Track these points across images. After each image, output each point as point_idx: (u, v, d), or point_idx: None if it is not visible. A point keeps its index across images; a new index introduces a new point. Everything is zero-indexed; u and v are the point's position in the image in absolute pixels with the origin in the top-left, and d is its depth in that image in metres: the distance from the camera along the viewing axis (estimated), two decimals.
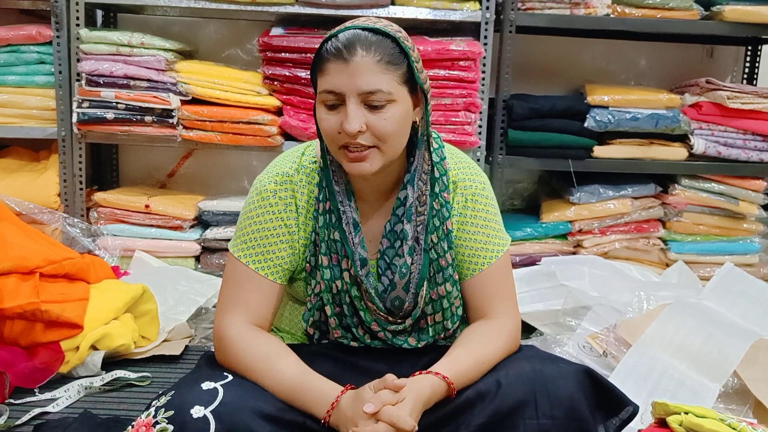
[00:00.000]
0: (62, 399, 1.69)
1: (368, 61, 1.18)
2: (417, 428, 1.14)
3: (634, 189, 2.79)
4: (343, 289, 1.31)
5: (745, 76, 3.16)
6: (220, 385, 1.16)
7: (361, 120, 1.19)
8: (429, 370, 1.21)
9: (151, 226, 2.67)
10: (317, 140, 1.38)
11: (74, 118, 2.54)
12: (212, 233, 2.67)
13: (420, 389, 1.17)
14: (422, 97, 1.27)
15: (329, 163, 1.29)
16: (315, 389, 1.19)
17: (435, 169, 1.32)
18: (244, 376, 1.23)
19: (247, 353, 1.25)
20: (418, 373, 1.21)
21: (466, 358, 1.24)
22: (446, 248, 1.32)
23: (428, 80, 1.28)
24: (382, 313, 1.30)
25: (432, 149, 1.31)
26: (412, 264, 1.29)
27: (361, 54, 1.18)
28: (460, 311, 1.36)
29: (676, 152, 2.75)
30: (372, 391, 1.15)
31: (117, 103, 2.53)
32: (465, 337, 1.32)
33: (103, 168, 3.01)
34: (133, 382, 1.80)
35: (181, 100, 2.56)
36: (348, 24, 1.23)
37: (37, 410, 1.62)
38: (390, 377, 1.16)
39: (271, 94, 2.60)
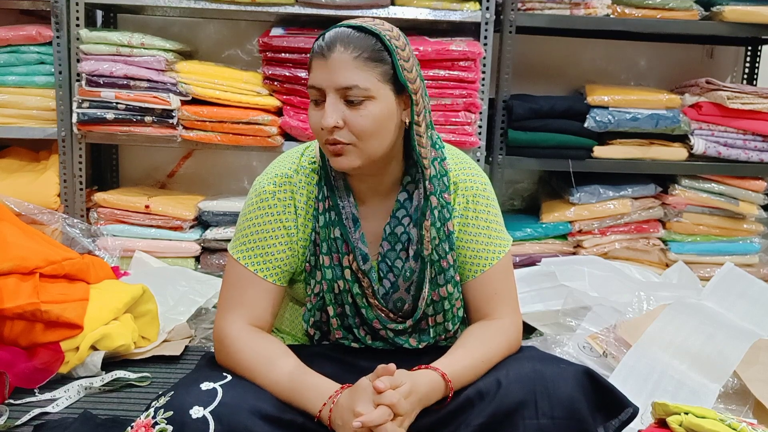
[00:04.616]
0: (62, 399, 1.69)
1: (345, 57, 1.19)
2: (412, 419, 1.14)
3: (634, 189, 2.79)
4: (345, 289, 1.30)
5: (745, 76, 3.16)
6: (219, 385, 1.16)
7: (338, 115, 1.20)
8: (428, 365, 1.21)
9: (151, 226, 2.66)
10: (316, 141, 1.38)
11: (74, 119, 2.54)
12: (212, 233, 2.67)
13: (418, 381, 1.17)
14: (410, 96, 1.25)
15: (327, 160, 1.30)
16: (311, 386, 1.20)
17: (435, 169, 1.32)
18: (243, 377, 1.23)
19: (246, 354, 1.25)
20: (416, 368, 1.22)
21: (465, 358, 1.24)
22: (447, 250, 1.32)
23: (419, 81, 1.26)
24: (384, 309, 1.31)
25: (418, 150, 1.27)
26: (416, 266, 1.30)
27: (339, 50, 1.20)
28: (461, 312, 1.36)
29: (676, 152, 2.75)
30: (369, 381, 1.16)
31: (117, 103, 2.53)
32: (465, 337, 1.32)
33: (103, 168, 3.01)
34: (133, 383, 1.80)
35: (181, 100, 2.56)
36: (336, 24, 1.25)
37: (37, 410, 1.62)
38: (381, 366, 1.17)
39: (271, 95, 2.60)
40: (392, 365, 1.17)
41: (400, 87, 1.24)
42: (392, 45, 1.22)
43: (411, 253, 1.29)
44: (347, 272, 1.30)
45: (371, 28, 1.22)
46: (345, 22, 1.24)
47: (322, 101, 1.22)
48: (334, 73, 1.19)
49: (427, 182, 1.28)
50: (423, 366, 1.22)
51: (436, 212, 1.29)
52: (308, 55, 2.55)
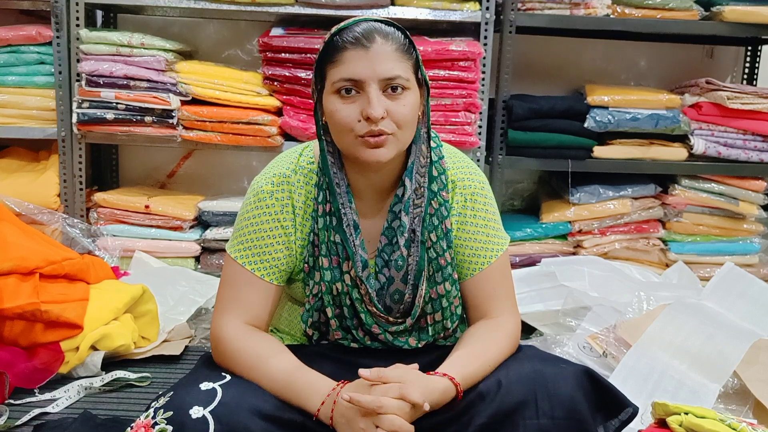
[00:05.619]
0: (62, 399, 1.69)
1: (388, 49, 1.21)
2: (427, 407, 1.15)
3: (634, 189, 2.79)
4: (343, 291, 1.30)
5: (745, 76, 3.16)
6: (219, 385, 1.16)
7: (384, 106, 1.20)
8: (437, 371, 1.21)
9: (151, 226, 2.67)
10: (315, 141, 1.38)
11: (74, 119, 2.54)
12: (212, 233, 2.67)
13: (432, 388, 1.17)
14: (424, 91, 1.29)
15: (330, 164, 1.29)
16: (307, 383, 1.20)
17: (433, 167, 1.32)
18: (241, 376, 1.23)
19: (242, 352, 1.25)
20: (428, 373, 1.21)
21: (472, 361, 1.24)
22: (445, 247, 1.32)
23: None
24: (382, 315, 1.31)
25: (430, 145, 1.32)
26: (409, 256, 1.29)
27: (380, 41, 1.20)
28: (459, 310, 1.36)
29: (676, 152, 2.75)
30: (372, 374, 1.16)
31: (117, 103, 2.53)
32: (468, 339, 1.31)
33: (103, 168, 3.01)
34: (132, 383, 1.80)
35: (181, 100, 2.56)
36: (355, 18, 1.25)
37: (37, 411, 1.62)
38: (400, 366, 1.19)
39: (271, 95, 2.60)
40: (414, 366, 1.20)
41: (418, 80, 1.27)
42: (412, 41, 1.26)
43: (402, 241, 1.29)
44: (346, 277, 1.30)
45: (396, 24, 1.25)
46: (362, 17, 1.25)
47: (355, 93, 1.21)
48: (378, 64, 1.19)
49: (433, 167, 1.31)
50: (435, 371, 1.21)
51: (433, 203, 1.30)
52: (308, 55, 2.57)
